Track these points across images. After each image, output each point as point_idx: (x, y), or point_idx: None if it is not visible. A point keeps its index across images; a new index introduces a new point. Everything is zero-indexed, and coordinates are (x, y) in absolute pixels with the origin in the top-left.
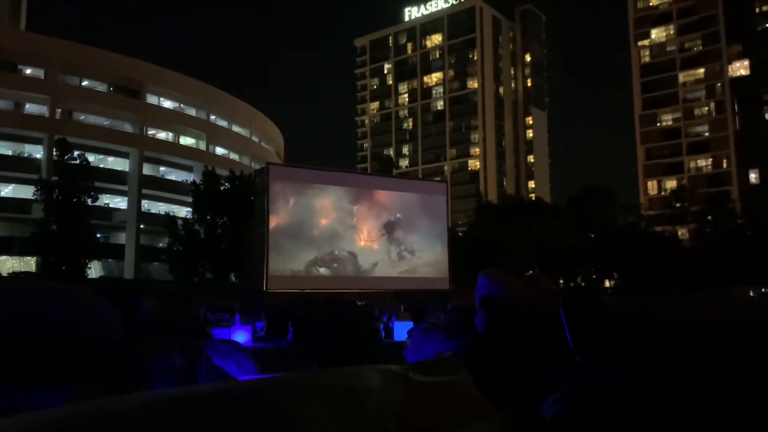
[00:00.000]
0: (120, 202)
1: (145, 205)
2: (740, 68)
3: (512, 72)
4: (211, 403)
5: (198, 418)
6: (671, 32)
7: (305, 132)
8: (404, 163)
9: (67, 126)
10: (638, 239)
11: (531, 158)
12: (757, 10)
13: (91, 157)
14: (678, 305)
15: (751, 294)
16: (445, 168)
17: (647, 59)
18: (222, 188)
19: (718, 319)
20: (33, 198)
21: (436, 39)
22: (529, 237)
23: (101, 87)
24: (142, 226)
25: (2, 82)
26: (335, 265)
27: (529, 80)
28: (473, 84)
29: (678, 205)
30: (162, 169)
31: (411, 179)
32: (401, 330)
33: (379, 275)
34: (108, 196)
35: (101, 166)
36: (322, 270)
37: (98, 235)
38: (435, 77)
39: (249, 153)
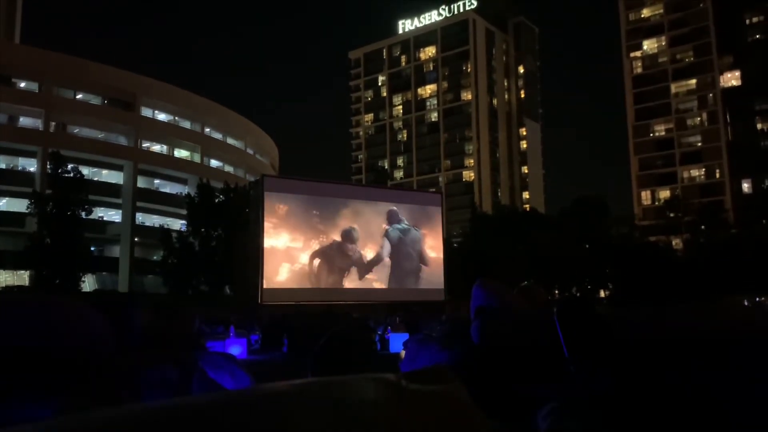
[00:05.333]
0: (114, 215)
1: (140, 218)
2: (732, 79)
3: (506, 83)
4: (201, 412)
5: (188, 427)
6: (663, 44)
7: (300, 144)
8: (399, 174)
9: (61, 139)
10: (632, 249)
11: (525, 169)
12: (748, 21)
13: (85, 170)
14: (668, 317)
15: (746, 303)
16: (440, 179)
17: (639, 70)
18: (217, 200)
19: (708, 329)
20: (27, 211)
21: (429, 51)
22: (524, 247)
23: (95, 100)
24: (136, 239)
25: None
26: (330, 276)
27: (522, 92)
28: (467, 96)
29: (671, 215)
30: (156, 181)
31: (406, 190)
32: (397, 341)
33: (375, 287)
34: (102, 209)
35: (95, 179)
36: (317, 282)
37: (92, 249)
38: (429, 89)
39: (244, 165)
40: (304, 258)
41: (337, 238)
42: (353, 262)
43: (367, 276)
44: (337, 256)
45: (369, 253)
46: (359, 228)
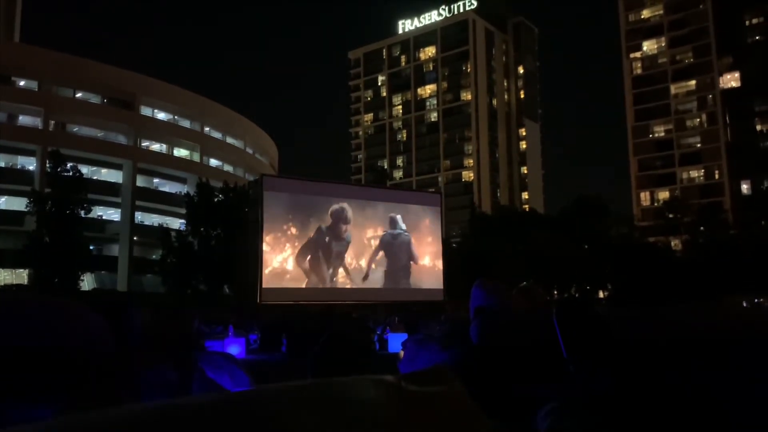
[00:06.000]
0: (113, 214)
1: (139, 217)
2: (731, 80)
3: (505, 84)
4: (201, 413)
5: (188, 427)
6: (663, 44)
7: (299, 144)
8: (398, 174)
9: (60, 138)
10: (631, 250)
11: (524, 169)
12: (747, 23)
13: (85, 169)
14: (668, 317)
15: (744, 304)
16: (439, 179)
17: (639, 71)
18: (216, 200)
19: (708, 329)
20: (26, 210)
21: (429, 51)
22: (523, 247)
23: (95, 99)
24: (135, 238)
25: None
26: (329, 276)
27: (522, 92)
28: (467, 96)
29: (671, 216)
30: (156, 180)
31: (405, 190)
32: (396, 341)
33: (374, 287)
34: (101, 208)
35: (95, 177)
36: (316, 282)
37: (91, 248)
38: (429, 89)
39: (243, 165)
40: (303, 257)
41: (336, 237)
42: (351, 262)
43: (365, 275)
44: (335, 255)
45: (367, 253)
46: (357, 227)
